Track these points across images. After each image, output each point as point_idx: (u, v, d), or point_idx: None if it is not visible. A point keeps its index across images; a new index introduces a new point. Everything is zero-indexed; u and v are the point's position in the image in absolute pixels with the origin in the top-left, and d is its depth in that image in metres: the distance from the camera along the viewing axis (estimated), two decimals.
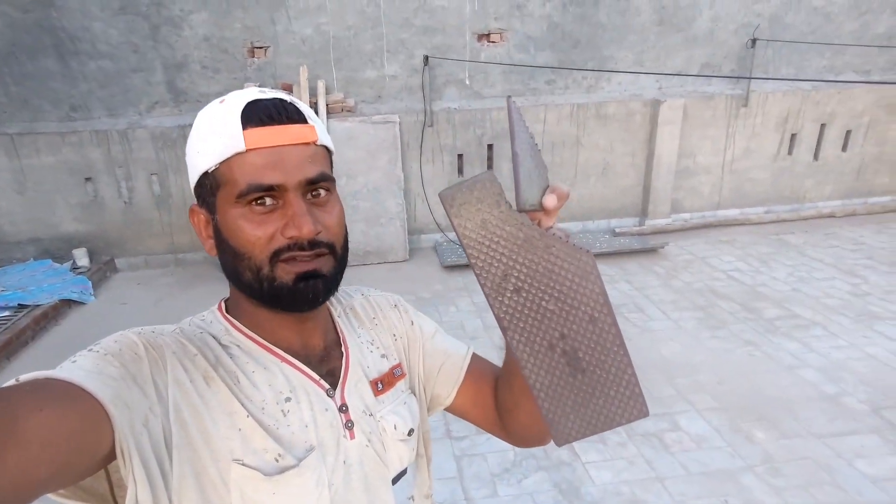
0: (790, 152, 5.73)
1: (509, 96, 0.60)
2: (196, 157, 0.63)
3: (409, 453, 0.76)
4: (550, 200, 0.56)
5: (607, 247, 5.09)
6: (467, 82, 5.19)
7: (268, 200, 0.61)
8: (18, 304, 3.96)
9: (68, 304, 4.25)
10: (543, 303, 0.56)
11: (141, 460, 0.53)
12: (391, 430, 0.73)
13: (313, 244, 0.62)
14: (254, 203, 0.61)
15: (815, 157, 5.77)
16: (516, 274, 0.55)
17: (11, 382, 0.49)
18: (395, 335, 0.82)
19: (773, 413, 2.81)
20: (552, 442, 0.64)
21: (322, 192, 0.64)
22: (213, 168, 0.61)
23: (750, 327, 3.67)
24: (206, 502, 0.59)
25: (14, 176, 4.81)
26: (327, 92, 4.94)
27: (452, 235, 5.40)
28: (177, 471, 0.57)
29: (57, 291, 4.18)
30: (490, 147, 5.30)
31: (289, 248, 0.61)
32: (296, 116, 0.62)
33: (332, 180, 0.66)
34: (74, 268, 4.76)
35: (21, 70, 4.67)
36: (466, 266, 4.91)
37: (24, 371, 0.52)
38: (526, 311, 0.55)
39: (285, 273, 0.62)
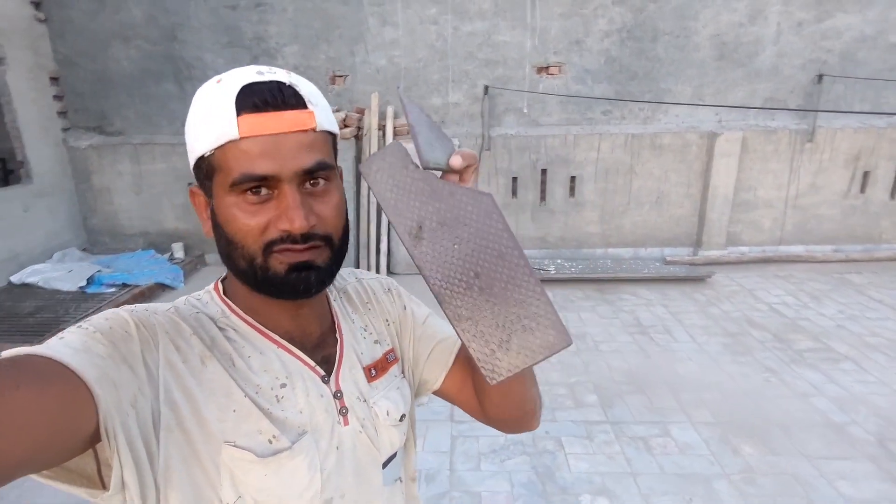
0: (863, 190, 5.51)
1: (398, 86, 0.90)
2: (192, 140, 0.62)
3: (400, 438, 0.77)
4: (456, 160, 0.61)
5: (654, 273, 5.15)
6: (525, 111, 5.53)
7: (262, 190, 0.60)
8: (122, 283, 4.73)
9: (162, 287, 4.99)
10: (455, 245, 0.59)
11: (127, 441, 0.52)
12: (384, 416, 0.74)
13: (307, 237, 0.61)
14: (248, 192, 0.60)
15: (892, 196, 5.50)
16: (428, 223, 0.59)
17: None
18: (387, 320, 0.82)
19: (768, 432, 2.84)
20: (532, 427, 0.82)
21: (321, 181, 0.63)
22: (209, 153, 0.60)
23: (775, 356, 3.65)
24: (193, 485, 0.59)
25: (134, 179, 5.74)
26: (396, 116, 5.48)
27: None
28: (163, 453, 0.57)
29: (154, 276, 4.94)
30: (544, 171, 5.58)
31: (282, 240, 0.61)
32: (293, 101, 0.60)
33: (332, 168, 0.64)
34: (172, 259, 5.56)
35: (147, 92, 5.60)
36: None
37: None
38: (441, 256, 0.59)
39: (278, 263, 0.62)
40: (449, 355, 0.83)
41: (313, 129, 0.61)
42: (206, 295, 0.71)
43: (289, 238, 0.61)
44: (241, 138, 0.58)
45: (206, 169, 0.62)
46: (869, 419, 2.93)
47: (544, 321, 0.58)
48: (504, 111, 5.54)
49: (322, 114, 0.63)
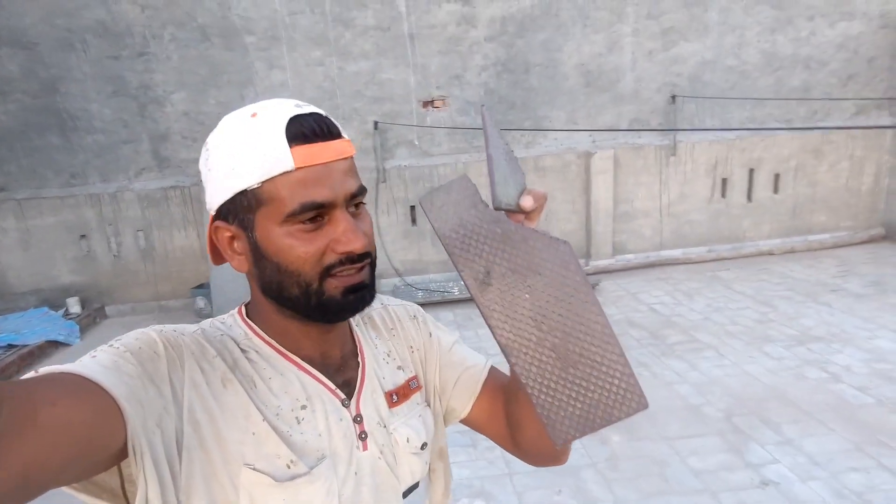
0: (724, 195, 6.15)
1: (482, 105, 0.77)
2: (230, 174, 0.61)
3: (422, 467, 0.76)
4: (527, 201, 0.58)
5: None
6: (416, 143, 5.81)
7: (317, 218, 0.62)
8: (8, 345, 4.54)
9: (55, 345, 4.83)
10: (527, 296, 0.55)
11: (152, 459, 0.53)
12: (403, 443, 0.73)
13: (362, 256, 0.64)
14: (302, 221, 0.61)
15: (749, 198, 6.17)
16: (497, 269, 0.55)
17: (31, 374, 0.50)
18: (412, 347, 0.82)
19: (635, 420, 3.14)
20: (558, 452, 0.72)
21: (360, 204, 0.66)
22: (255, 186, 0.60)
23: (649, 351, 4.02)
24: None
25: (20, 235, 5.54)
26: None
27: (410, 279, 5.90)
28: (185, 471, 0.58)
29: (45, 334, 4.77)
30: None
31: (341, 262, 0.63)
32: (335, 131, 0.63)
33: (367, 191, 0.67)
34: (67, 314, 5.38)
35: (30, 145, 5.46)
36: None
37: None
38: (511, 306, 0.55)
39: (333, 287, 0.63)
40: (476, 383, 0.82)
41: (351, 156, 0.65)
42: (230, 318, 0.73)
43: (348, 259, 0.63)
44: (296, 169, 0.59)
45: (248, 202, 0.62)
46: (722, 399, 3.30)
47: (622, 384, 0.55)
48: (396, 144, 5.79)
49: (350, 141, 0.66)
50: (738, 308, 4.69)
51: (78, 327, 5.13)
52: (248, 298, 0.74)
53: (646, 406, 0.56)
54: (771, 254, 6.17)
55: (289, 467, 0.63)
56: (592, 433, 0.55)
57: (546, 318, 0.55)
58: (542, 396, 0.55)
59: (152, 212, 5.64)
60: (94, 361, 0.54)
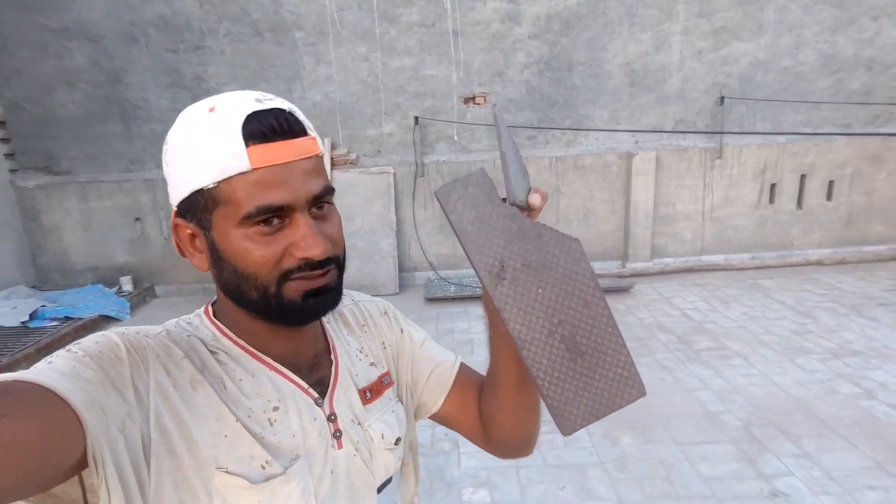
0: (772, 201, 5.92)
1: (494, 104, 0.90)
2: (185, 171, 0.59)
3: (395, 462, 0.76)
4: (535, 199, 0.60)
5: None
6: (456, 138, 5.87)
7: (275, 220, 0.59)
8: (65, 317, 4.89)
9: (107, 319, 5.16)
10: (539, 290, 0.57)
11: (115, 467, 0.51)
12: (378, 439, 0.73)
13: (324, 262, 0.61)
14: (260, 224, 0.59)
15: (799, 205, 5.92)
16: (512, 263, 0.56)
17: None
18: (384, 343, 0.82)
19: (649, 424, 3.11)
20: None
21: (325, 204, 0.63)
22: (211, 186, 0.58)
23: (675, 356, 3.95)
24: None
25: (82, 216, 5.93)
26: (333, 147, 5.78)
27: (444, 273, 5.97)
28: (154, 480, 0.56)
29: (99, 309, 5.11)
30: None
31: (300, 268, 0.60)
32: (297, 128, 0.60)
33: (333, 191, 0.64)
34: (119, 292, 5.73)
35: (93, 132, 5.83)
36: (445, 299, 5.45)
37: None
38: (523, 299, 0.56)
39: (293, 291, 0.61)
40: (448, 378, 0.83)
41: (316, 155, 0.62)
42: (196, 318, 0.70)
43: (307, 265, 0.60)
44: (252, 169, 0.57)
45: (204, 202, 0.60)
46: (742, 407, 3.22)
47: (624, 373, 0.58)
48: (435, 139, 5.87)
49: (318, 139, 0.63)
50: (775, 318, 4.53)
51: (129, 304, 5.46)
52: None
53: (643, 394, 0.59)
54: (820, 263, 5.89)
55: (263, 468, 0.62)
56: (596, 421, 0.58)
57: (557, 312, 0.57)
58: (553, 388, 0.56)
59: None
60: (49, 368, 0.52)
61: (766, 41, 5.52)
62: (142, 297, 5.85)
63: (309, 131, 0.61)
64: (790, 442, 2.84)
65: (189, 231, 0.64)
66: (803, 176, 5.84)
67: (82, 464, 0.50)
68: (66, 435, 0.47)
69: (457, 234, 0.57)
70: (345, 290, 0.80)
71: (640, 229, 5.89)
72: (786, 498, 2.43)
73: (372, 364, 0.79)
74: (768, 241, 6.03)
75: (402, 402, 0.82)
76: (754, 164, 5.80)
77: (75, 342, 0.58)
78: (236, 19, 5.57)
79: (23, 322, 4.74)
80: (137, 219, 5.96)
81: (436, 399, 0.83)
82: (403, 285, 5.95)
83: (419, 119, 5.73)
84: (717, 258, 6.04)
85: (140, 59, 5.64)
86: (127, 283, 5.81)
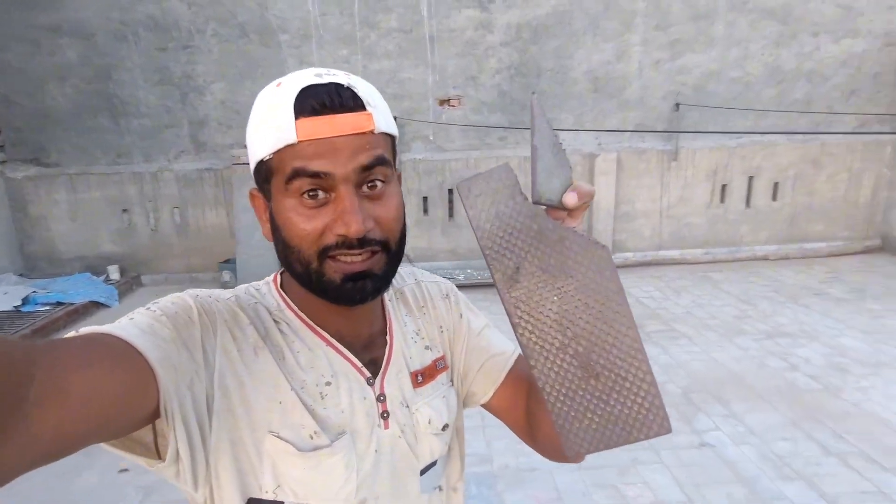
0: (723, 201, 6.42)
1: (533, 92, 0.90)
2: (252, 144, 0.62)
3: (442, 447, 0.76)
4: (570, 198, 0.55)
5: None
6: (431, 138, 6.23)
7: (319, 193, 0.59)
8: (57, 302, 5.11)
9: (97, 305, 5.38)
10: (556, 298, 0.53)
11: (182, 420, 0.55)
12: (425, 424, 0.73)
13: (363, 242, 0.60)
14: (305, 195, 0.60)
15: (748, 205, 6.44)
16: (528, 266, 0.53)
17: (72, 334, 0.51)
18: (441, 327, 0.81)
19: None
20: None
21: (378, 183, 0.61)
22: (268, 157, 0.61)
23: None
24: (238, 469, 0.62)
25: (70, 207, 6.13)
26: None
27: (420, 265, 6.31)
28: (214, 434, 0.60)
29: (89, 295, 5.33)
30: (450, 191, 6.27)
31: (337, 245, 0.60)
32: (351, 103, 0.59)
33: (391, 165, 0.63)
34: (107, 280, 5.95)
35: (83, 126, 6.04)
36: None
37: None
38: (537, 307, 0.53)
39: (333, 271, 0.61)
40: (500, 371, 0.80)
41: (371, 132, 0.60)
42: (264, 286, 0.73)
43: (345, 243, 0.60)
44: (298, 142, 0.58)
45: (265, 172, 0.62)
46: (684, 378, 3.64)
47: (645, 403, 0.53)
48: (412, 138, 6.22)
49: (381, 116, 0.62)
50: (720, 305, 5.00)
51: (116, 292, 5.69)
52: (271, 274, 0.75)
53: (668, 430, 0.53)
54: (766, 259, 6.42)
55: (312, 438, 0.64)
56: (606, 450, 0.53)
57: (573, 325, 0.53)
58: (559, 404, 0.53)
59: (188, 191, 6.19)
60: (131, 324, 0.56)
61: (716, 53, 6.01)
62: (129, 285, 6.07)
63: (368, 107, 0.60)
64: (721, 405, 3.27)
65: (261, 201, 0.67)
66: (751, 178, 6.35)
67: (155, 414, 0.54)
68: (143, 387, 0.51)
69: (475, 231, 0.54)
70: (410, 269, 0.84)
71: (603, 226, 6.33)
72: (711, 448, 2.85)
73: (427, 347, 0.78)
74: (720, 238, 6.53)
75: (454, 388, 0.80)
76: (707, 165, 6.30)
77: (154, 301, 0.62)
78: (223, 21, 5.85)
79: (15, 306, 4.94)
80: (125, 210, 6.18)
81: (486, 391, 0.81)
82: None
83: (397, 119, 6.08)
84: (674, 253, 6.52)
85: (130, 56, 5.87)
86: (114, 272, 6.03)
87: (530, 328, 0.53)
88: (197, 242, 6.32)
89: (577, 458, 0.72)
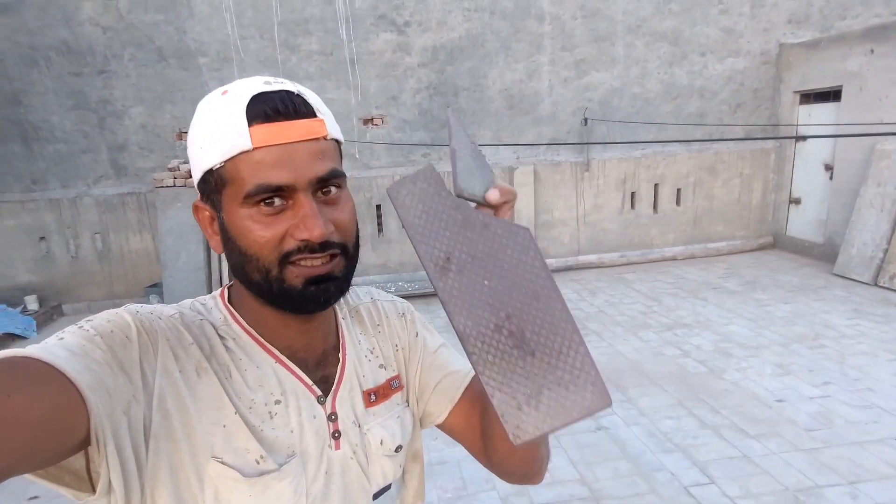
0: (633, 207, 6.92)
1: (448, 107, 0.99)
2: (199, 153, 0.61)
3: (395, 469, 0.74)
4: (493, 194, 0.57)
5: None
6: (357, 156, 6.42)
7: (276, 201, 0.59)
8: None
9: (13, 337, 5.23)
10: (486, 281, 0.54)
11: (116, 447, 0.52)
12: (377, 445, 0.72)
13: (325, 246, 0.60)
14: (262, 203, 0.59)
15: (655, 210, 6.96)
16: (458, 254, 0.55)
17: None
18: (397, 345, 0.80)
19: None
20: (536, 479, 0.61)
21: (333, 188, 0.62)
22: (218, 166, 0.59)
23: None
24: (177, 497, 0.58)
25: None
26: None
27: (377, 278, 6.45)
28: (151, 461, 0.57)
29: (3, 327, 5.18)
30: (378, 206, 6.47)
31: (299, 250, 0.60)
32: (304, 109, 0.59)
33: (343, 176, 0.63)
34: (25, 311, 5.77)
35: None
36: None
37: None
38: (469, 292, 0.54)
39: (294, 276, 0.61)
40: (456, 390, 0.79)
41: (324, 137, 0.61)
42: (211, 300, 0.70)
43: (307, 248, 0.60)
44: (254, 149, 0.57)
45: (214, 182, 0.61)
46: None
47: (582, 375, 0.52)
48: None
49: (330, 122, 0.62)
50: (629, 303, 5.41)
51: (35, 322, 5.54)
52: (201, 294, 0.73)
53: (609, 403, 0.52)
54: (675, 259, 6.95)
55: (258, 463, 0.62)
56: (552, 432, 0.52)
57: (504, 305, 0.53)
58: (499, 389, 0.52)
59: (109, 216, 6.10)
60: (59, 345, 0.52)
61: (618, 72, 6.52)
62: (48, 314, 5.91)
63: (318, 114, 0.61)
64: (619, 392, 3.59)
65: (207, 213, 0.65)
66: (657, 185, 6.88)
67: (86, 441, 0.50)
68: (71, 415, 0.48)
69: (405, 228, 0.55)
70: (366, 289, 0.84)
71: None
72: (606, 431, 3.15)
73: (381, 366, 0.76)
74: (632, 242, 7.01)
75: (409, 408, 0.79)
76: (616, 175, 6.78)
77: (87, 319, 0.58)
78: (140, 45, 5.86)
79: None
80: (42, 238, 6.03)
81: (442, 410, 0.79)
82: None
83: None
84: (591, 257, 6.95)
85: (42, 81, 5.78)
86: (32, 302, 5.86)
87: (465, 313, 0.53)
88: (120, 268, 6.23)
89: (535, 476, 0.76)
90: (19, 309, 5.79)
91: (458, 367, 0.81)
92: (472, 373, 0.80)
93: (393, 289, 6.14)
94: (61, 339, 0.53)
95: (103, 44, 5.78)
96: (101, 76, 5.85)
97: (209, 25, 5.89)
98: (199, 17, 5.87)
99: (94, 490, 0.54)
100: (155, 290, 5.93)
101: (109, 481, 0.52)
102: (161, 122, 6.06)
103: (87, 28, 5.72)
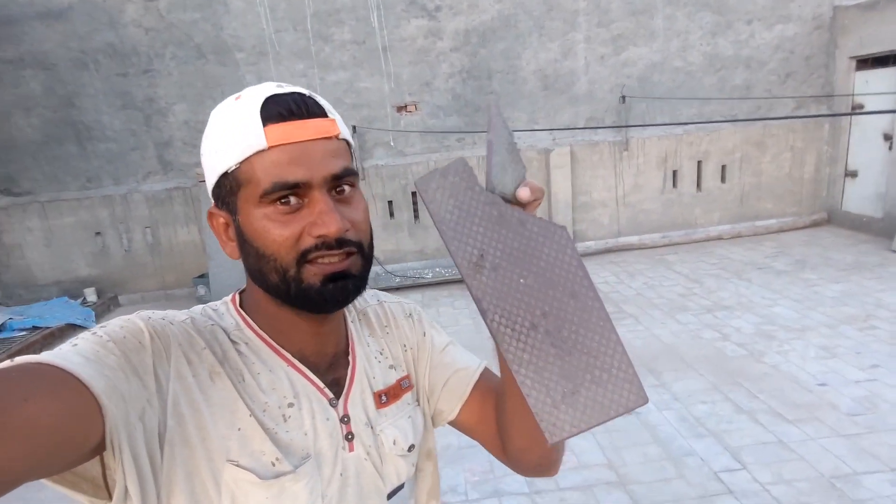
0: (675, 186, 6.70)
1: (491, 92, 1.03)
2: (213, 158, 0.62)
3: (408, 469, 0.75)
4: (524, 192, 0.56)
5: None
6: (392, 144, 6.47)
7: (292, 199, 0.60)
8: (33, 327, 5.30)
9: (74, 327, 5.57)
10: (521, 279, 0.53)
11: (132, 453, 0.52)
12: (390, 445, 0.72)
13: (342, 242, 0.61)
14: (278, 202, 0.60)
15: (699, 188, 6.71)
16: (492, 251, 0.54)
17: (6, 364, 0.48)
18: (405, 346, 0.81)
19: None
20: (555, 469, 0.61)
21: (346, 187, 0.63)
22: (234, 168, 0.60)
23: None
24: (194, 502, 0.59)
25: (43, 233, 6.31)
26: None
27: (390, 267, 6.55)
28: (167, 466, 0.57)
29: (66, 318, 5.52)
30: (413, 194, 6.50)
31: (316, 247, 0.60)
32: (316, 110, 0.61)
33: (356, 175, 0.64)
34: (84, 302, 6.13)
35: (51, 154, 6.22)
36: (389, 289, 6.03)
37: None
38: (504, 290, 0.53)
39: (312, 275, 0.61)
40: (466, 386, 0.80)
41: (336, 136, 0.62)
42: (222, 306, 0.71)
43: (324, 245, 0.60)
44: (269, 148, 0.58)
45: (229, 185, 0.62)
46: None
47: (618, 374, 0.53)
48: (374, 145, 6.45)
49: (340, 123, 0.64)
50: (669, 285, 5.27)
51: (94, 313, 5.87)
52: (244, 285, 0.72)
53: (645, 401, 0.53)
54: (720, 238, 6.71)
55: (273, 465, 0.62)
56: (588, 429, 0.51)
57: (541, 303, 0.53)
58: (535, 388, 0.51)
59: (158, 211, 6.38)
60: (74, 351, 0.53)
61: (657, 45, 6.29)
62: (106, 305, 6.26)
63: (329, 114, 0.62)
64: (653, 376, 3.52)
65: (222, 220, 0.65)
66: (700, 162, 6.63)
67: (101, 447, 0.51)
68: (86, 421, 0.48)
69: (436, 224, 0.54)
70: (372, 291, 0.83)
71: (562, 217, 6.58)
72: (637, 414, 3.10)
73: (391, 367, 0.77)
74: (675, 221, 6.80)
75: (420, 407, 0.80)
76: (657, 153, 6.57)
77: (101, 325, 0.58)
78: (181, 44, 6.05)
79: None
80: (98, 233, 6.37)
81: (452, 407, 0.80)
82: None
83: (357, 128, 6.31)
84: (632, 239, 6.79)
85: (92, 83, 6.07)
86: (91, 294, 6.21)
87: (499, 312, 0.52)
88: (170, 260, 6.52)
89: (551, 469, 0.77)
90: (79, 301, 6.15)
91: (466, 363, 0.81)
92: (481, 369, 0.82)
93: (430, 274, 6.19)
94: (75, 345, 0.54)
95: (146, 44, 6.01)
96: (146, 75, 6.08)
97: (244, 21, 6.02)
98: (234, 13, 6.01)
99: (110, 497, 0.54)
100: (202, 280, 6.17)
101: (126, 487, 0.53)
102: (202, 117, 6.26)
103: (131, 30, 5.95)
